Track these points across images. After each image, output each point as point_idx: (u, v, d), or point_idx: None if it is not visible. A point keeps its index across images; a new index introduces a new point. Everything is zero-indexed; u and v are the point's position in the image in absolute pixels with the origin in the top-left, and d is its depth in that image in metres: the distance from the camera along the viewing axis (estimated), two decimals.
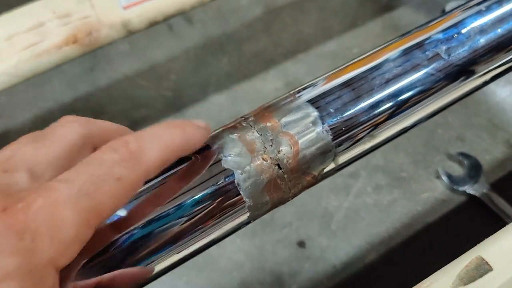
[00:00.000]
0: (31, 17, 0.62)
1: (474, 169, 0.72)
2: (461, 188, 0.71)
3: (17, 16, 0.62)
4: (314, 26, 0.92)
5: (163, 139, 0.26)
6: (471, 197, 0.71)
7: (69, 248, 0.22)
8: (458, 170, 0.73)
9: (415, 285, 0.37)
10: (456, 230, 0.68)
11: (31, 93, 0.83)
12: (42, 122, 0.79)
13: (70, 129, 0.27)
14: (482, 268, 0.39)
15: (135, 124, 0.79)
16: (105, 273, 0.28)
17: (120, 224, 0.29)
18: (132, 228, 0.29)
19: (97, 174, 0.23)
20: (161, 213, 0.30)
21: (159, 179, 0.31)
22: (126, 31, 0.64)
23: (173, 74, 0.86)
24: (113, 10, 0.63)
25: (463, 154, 0.74)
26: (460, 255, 0.39)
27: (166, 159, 0.26)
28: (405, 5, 0.94)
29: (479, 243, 0.40)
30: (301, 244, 0.67)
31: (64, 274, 0.25)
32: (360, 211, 0.69)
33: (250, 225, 0.34)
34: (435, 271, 0.38)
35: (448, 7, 0.89)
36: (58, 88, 0.83)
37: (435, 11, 0.91)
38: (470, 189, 0.71)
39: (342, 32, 0.90)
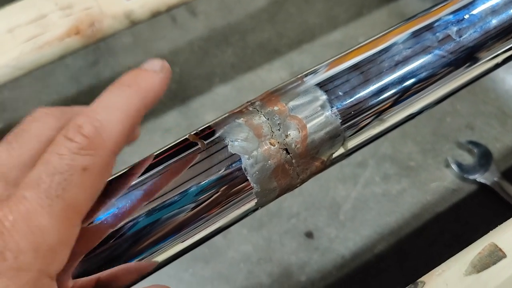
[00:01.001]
0: (33, 9, 0.61)
1: (484, 157, 0.71)
2: (471, 177, 0.70)
3: (19, 8, 0.62)
4: (319, 15, 0.91)
5: (120, 108, 0.24)
6: (481, 185, 0.70)
7: (56, 254, 0.21)
8: (468, 159, 0.72)
9: (425, 275, 0.37)
10: (466, 219, 0.67)
11: (34, 87, 0.82)
12: None
13: (44, 124, 0.25)
14: (496, 255, 0.38)
15: None
16: (108, 265, 0.28)
17: (117, 215, 0.28)
18: (133, 217, 0.28)
19: (60, 171, 0.22)
20: (166, 201, 0.29)
21: (162, 166, 0.30)
22: (129, 21, 0.63)
23: (177, 66, 0.85)
24: (116, 1, 0.63)
25: (472, 143, 0.73)
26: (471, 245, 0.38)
27: (129, 127, 0.24)
28: None
29: (490, 231, 0.39)
30: (309, 234, 0.66)
31: (60, 277, 0.24)
32: (368, 201, 0.68)
33: (257, 215, 0.33)
34: (446, 260, 0.37)
35: None
36: (61, 81, 0.83)
37: None
38: (480, 177, 0.70)
39: (347, 21, 0.89)
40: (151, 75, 0.26)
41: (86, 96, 0.81)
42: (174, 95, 0.81)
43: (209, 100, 0.80)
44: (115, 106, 0.24)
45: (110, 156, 0.23)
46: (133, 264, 0.28)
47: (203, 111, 0.79)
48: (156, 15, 0.65)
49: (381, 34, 0.38)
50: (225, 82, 0.82)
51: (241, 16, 0.91)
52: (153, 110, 0.79)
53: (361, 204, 0.68)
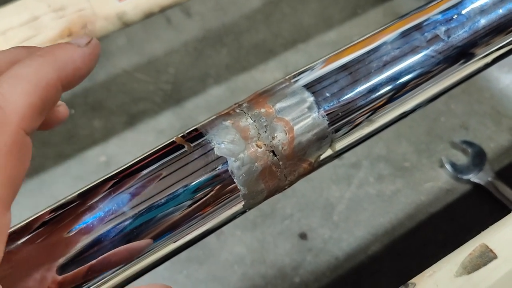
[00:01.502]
0: (26, 11, 0.61)
1: (479, 157, 0.71)
2: (465, 177, 0.70)
3: (12, 10, 0.62)
4: (313, 15, 0.90)
5: (27, 78, 0.21)
6: (475, 185, 0.70)
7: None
8: (462, 159, 0.72)
9: (416, 276, 0.37)
10: (460, 219, 0.67)
11: None
12: None
13: None
14: (487, 256, 0.38)
15: (134, 118, 0.78)
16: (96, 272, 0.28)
17: (104, 219, 0.28)
18: (120, 220, 0.28)
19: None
20: (153, 203, 0.29)
21: (149, 169, 0.30)
22: (122, 23, 0.63)
23: (171, 67, 0.85)
24: (108, 3, 0.63)
25: (467, 142, 0.73)
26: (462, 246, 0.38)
27: (40, 101, 0.21)
28: None
29: (481, 232, 0.39)
30: (303, 236, 0.66)
31: None
32: (362, 202, 0.68)
33: (250, 217, 0.33)
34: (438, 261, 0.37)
35: None
36: None
37: None
38: (474, 177, 0.69)
39: (342, 21, 0.89)
40: (72, 47, 0.23)
41: (81, 97, 0.81)
42: (168, 96, 0.81)
43: (203, 101, 0.80)
44: (21, 76, 0.21)
45: (18, 132, 0.20)
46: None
47: (197, 112, 0.79)
48: (149, 16, 0.65)
49: (370, 34, 0.38)
50: (219, 83, 0.82)
51: (236, 17, 0.91)
52: (146, 111, 0.79)
53: (355, 205, 0.68)
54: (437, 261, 0.37)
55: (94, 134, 0.76)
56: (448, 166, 0.71)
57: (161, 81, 0.82)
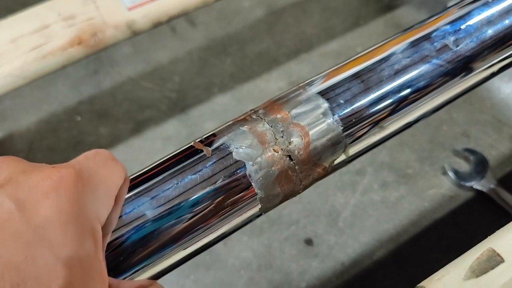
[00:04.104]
0: (36, 20, 0.62)
1: (481, 165, 0.72)
2: (468, 184, 0.71)
3: (23, 19, 0.62)
4: (316, 26, 0.92)
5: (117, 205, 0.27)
6: (478, 192, 0.71)
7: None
8: (464, 166, 0.73)
9: (425, 280, 0.37)
10: (464, 226, 0.68)
11: (35, 96, 0.83)
12: (47, 125, 0.80)
13: None
14: (494, 260, 0.39)
15: (140, 125, 0.79)
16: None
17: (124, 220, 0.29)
18: (140, 223, 0.29)
19: None
20: (172, 207, 0.30)
21: (168, 172, 0.31)
22: (131, 32, 0.64)
23: (177, 76, 0.86)
24: (118, 11, 0.63)
25: (469, 150, 0.74)
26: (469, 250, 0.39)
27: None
28: (407, 4, 0.94)
29: (488, 237, 0.40)
30: (309, 241, 0.67)
31: None
32: (367, 208, 0.69)
33: (257, 222, 0.34)
34: (445, 266, 0.38)
35: (450, 5, 0.89)
36: (62, 91, 0.84)
37: (437, 9, 0.91)
38: (477, 184, 0.70)
39: (344, 31, 0.91)
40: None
41: (87, 105, 0.82)
42: (174, 104, 0.81)
43: (208, 109, 0.81)
44: None
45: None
46: None
47: (203, 120, 0.80)
48: (157, 25, 0.66)
49: (380, 44, 0.39)
50: (224, 91, 0.83)
51: (240, 27, 0.92)
52: (152, 118, 0.80)
53: (360, 211, 0.69)
54: (441, 266, 0.38)
55: (100, 141, 0.77)
56: (451, 173, 0.72)
57: (166, 89, 0.83)
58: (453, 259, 0.38)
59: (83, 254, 0.22)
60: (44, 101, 0.82)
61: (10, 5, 0.90)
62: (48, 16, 0.63)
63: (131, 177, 0.31)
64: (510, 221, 0.41)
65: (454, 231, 0.68)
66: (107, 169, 0.26)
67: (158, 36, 0.90)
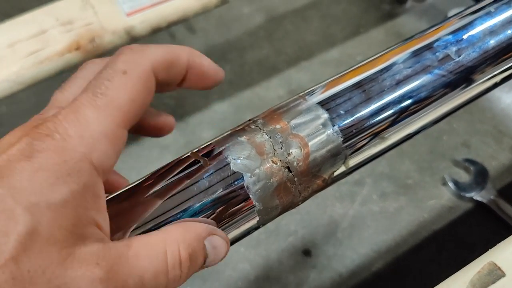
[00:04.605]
0: (34, 24, 0.62)
1: (481, 176, 0.71)
2: (468, 195, 0.70)
3: (20, 24, 0.62)
4: (316, 33, 0.91)
5: (167, 45, 0.29)
6: (478, 203, 0.70)
7: (99, 142, 0.24)
8: (464, 177, 0.72)
9: None
10: (463, 237, 0.67)
11: (32, 102, 0.82)
12: None
13: (89, 70, 0.29)
14: (495, 274, 0.38)
15: None
16: None
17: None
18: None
19: (104, 76, 0.26)
20: (168, 219, 0.29)
21: (164, 183, 0.30)
22: (129, 37, 0.63)
23: None
24: (116, 17, 0.63)
25: (469, 161, 0.73)
26: (468, 263, 0.38)
27: (170, 57, 0.29)
28: (408, 12, 0.94)
29: (487, 250, 0.39)
30: (307, 252, 0.66)
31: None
32: (366, 219, 0.68)
33: (254, 233, 0.33)
34: (444, 279, 0.37)
35: (451, 14, 0.89)
36: None
37: (438, 18, 0.91)
38: (477, 195, 0.70)
39: (345, 39, 0.90)
40: (206, 58, 0.31)
41: None
42: (173, 111, 0.81)
43: (207, 117, 0.80)
44: (161, 45, 0.29)
45: (146, 68, 0.27)
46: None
47: (201, 128, 0.79)
48: (156, 31, 0.65)
49: (381, 54, 0.38)
50: (223, 99, 0.82)
51: (239, 33, 0.92)
52: None
53: (358, 222, 0.68)
54: (440, 278, 0.37)
55: None
56: (450, 184, 0.71)
57: (165, 95, 0.83)
58: (452, 271, 0.38)
59: (54, 199, 0.22)
60: (41, 107, 0.81)
61: (7, 9, 0.90)
62: (46, 21, 0.62)
63: (126, 189, 0.30)
64: (511, 234, 0.41)
65: (453, 242, 0.67)
66: None
67: (157, 42, 0.89)
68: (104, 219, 0.25)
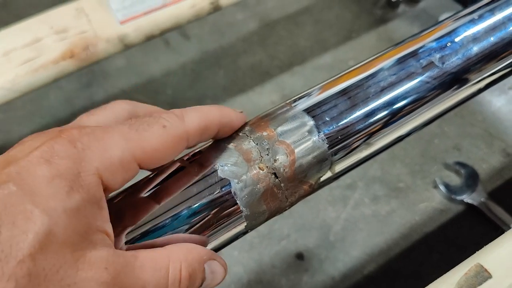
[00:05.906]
0: (29, 33, 0.62)
1: (471, 178, 0.72)
2: (458, 197, 0.71)
3: (15, 32, 0.63)
4: (309, 39, 0.92)
5: (202, 110, 0.31)
6: (468, 206, 0.71)
7: (113, 166, 0.25)
8: (455, 180, 0.73)
9: None
10: (454, 239, 0.68)
11: (28, 109, 0.83)
12: None
13: (120, 107, 0.31)
14: (482, 276, 0.39)
15: None
16: None
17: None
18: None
19: (146, 120, 0.28)
20: (157, 224, 0.30)
21: (153, 189, 0.31)
22: (123, 45, 0.64)
23: (169, 88, 0.86)
24: (110, 25, 0.64)
25: (460, 164, 0.74)
26: (457, 266, 0.39)
27: (204, 125, 0.30)
28: (400, 17, 0.95)
29: (476, 252, 0.40)
30: (300, 256, 0.66)
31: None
32: (358, 222, 0.69)
33: (247, 237, 0.34)
34: (433, 281, 0.38)
35: (441, 19, 0.89)
36: (55, 103, 0.84)
37: (429, 23, 0.91)
38: (467, 198, 0.71)
39: (337, 44, 0.91)
40: (232, 109, 0.33)
41: None
42: None
43: None
44: (199, 109, 0.31)
45: (184, 131, 0.29)
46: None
47: None
48: (150, 38, 0.66)
49: (367, 60, 0.39)
50: (217, 104, 0.83)
51: (232, 39, 0.93)
52: None
53: (350, 225, 0.69)
54: (432, 280, 0.38)
55: None
56: (442, 187, 0.72)
57: (159, 101, 0.84)
58: (444, 273, 0.38)
59: (70, 205, 0.23)
60: (36, 114, 0.82)
61: (3, 17, 0.91)
62: (40, 29, 0.63)
63: (114, 196, 0.31)
64: (499, 236, 0.41)
65: (444, 244, 0.68)
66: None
67: (152, 48, 0.90)
68: (110, 228, 0.26)
